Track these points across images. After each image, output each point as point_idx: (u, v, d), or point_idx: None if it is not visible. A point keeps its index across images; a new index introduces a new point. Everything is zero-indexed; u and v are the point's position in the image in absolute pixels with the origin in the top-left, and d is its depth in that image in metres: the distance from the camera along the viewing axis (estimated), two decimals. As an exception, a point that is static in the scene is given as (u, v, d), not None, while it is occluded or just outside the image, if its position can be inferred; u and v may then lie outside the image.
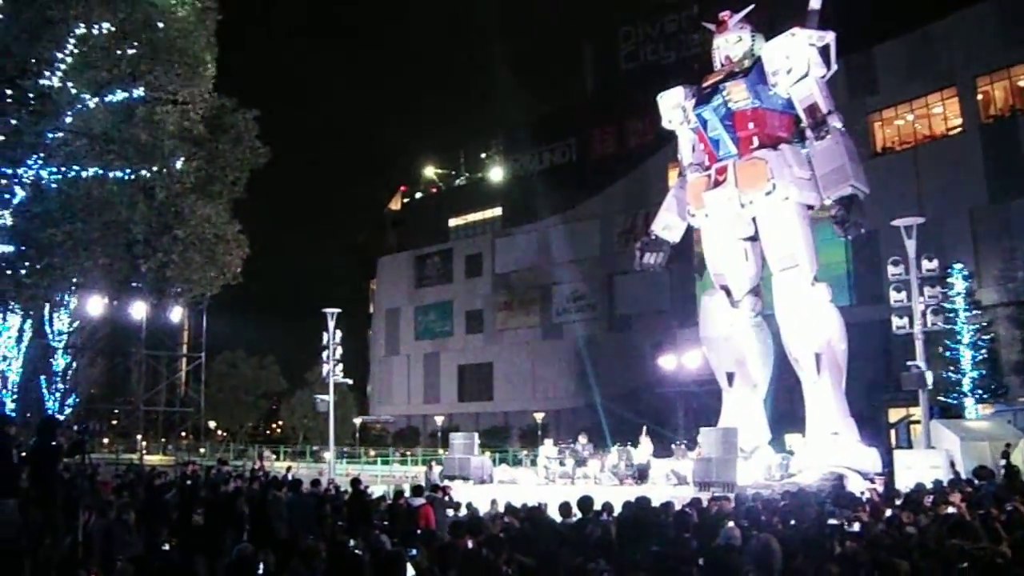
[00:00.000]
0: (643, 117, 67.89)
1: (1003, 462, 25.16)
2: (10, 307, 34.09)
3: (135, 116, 30.95)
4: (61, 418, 35.78)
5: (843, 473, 23.90)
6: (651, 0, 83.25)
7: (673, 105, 29.96)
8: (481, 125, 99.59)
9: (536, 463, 33.87)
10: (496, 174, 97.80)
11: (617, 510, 14.19)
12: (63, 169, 29.84)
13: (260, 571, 9.37)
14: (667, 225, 31.24)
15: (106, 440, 74.65)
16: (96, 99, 30.45)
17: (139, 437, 65.71)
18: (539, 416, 72.67)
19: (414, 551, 10.37)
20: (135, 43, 30.75)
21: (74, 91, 29.69)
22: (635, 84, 71.02)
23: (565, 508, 14.00)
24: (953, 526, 11.20)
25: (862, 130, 54.97)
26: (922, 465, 24.22)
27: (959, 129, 57.22)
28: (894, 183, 51.21)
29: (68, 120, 30.05)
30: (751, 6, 28.94)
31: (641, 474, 27.82)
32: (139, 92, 31.53)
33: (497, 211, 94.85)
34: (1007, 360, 49.48)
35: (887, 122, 61.32)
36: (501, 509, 17.60)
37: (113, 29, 29.98)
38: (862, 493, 19.95)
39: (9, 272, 30.24)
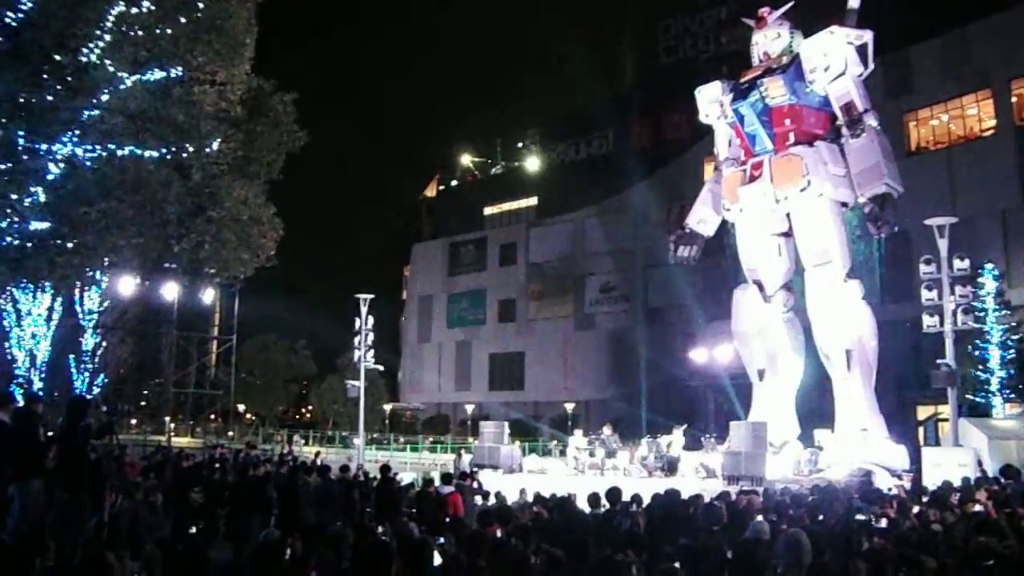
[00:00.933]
0: (681, 111, 67.58)
1: None
2: (41, 285, 34.28)
3: (172, 95, 30.93)
4: (89, 397, 35.94)
5: (871, 469, 23.88)
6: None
7: (711, 99, 29.96)
8: (518, 115, 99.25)
9: (566, 453, 33.89)
10: (532, 164, 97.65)
11: (646, 502, 14.25)
12: (98, 147, 29.88)
13: (287, 556, 9.44)
14: (702, 219, 31.29)
15: (134, 421, 75.07)
16: (134, 77, 30.50)
17: (167, 419, 66.10)
18: (569, 406, 72.69)
19: (442, 539, 10.45)
20: (175, 22, 30.78)
21: (112, 68, 29.68)
22: (673, 78, 70.92)
23: (594, 499, 14.04)
24: (979, 524, 11.23)
25: (897, 129, 54.73)
26: (950, 463, 24.12)
27: (993, 130, 57.21)
28: (927, 182, 51.10)
29: (104, 97, 30.07)
30: (791, 3, 28.95)
31: (670, 466, 27.84)
32: (177, 71, 31.49)
33: (532, 201, 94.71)
34: (1036, 360, 49.32)
35: (922, 122, 61.12)
36: (530, 499, 17.63)
37: (153, 8, 30.01)
38: (889, 490, 19.95)
39: (42, 250, 30.38)
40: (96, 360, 40.59)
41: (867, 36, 26.38)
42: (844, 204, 27.25)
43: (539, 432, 70.57)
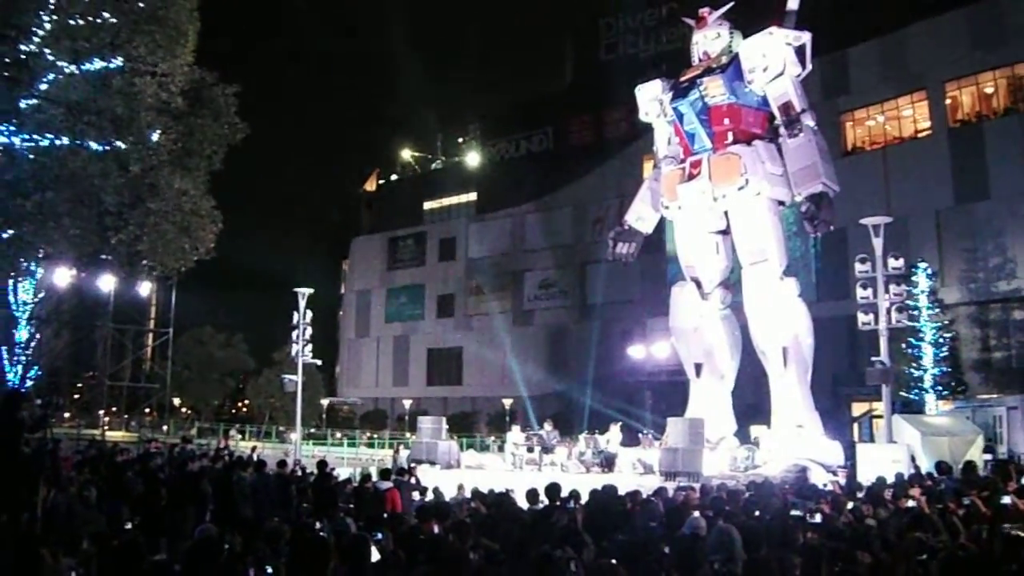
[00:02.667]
0: (620, 108, 68.16)
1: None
2: (-29, 277, 33.76)
3: (112, 86, 30.48)
4: (24, 391, 35.42)
5: (807, 465, 24.13)
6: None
7: (651, 98, 30.17)
8: (459, 110, 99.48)
9: (504, 449, 33.96)
10: (472, 159, 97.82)
11: (584, 498, 14.31)
12: (36, 137, 29.44)
13: (224, 552, 9.36)
14: (640, 216, 31.47)
15: (68, 414, 74.09)
16: (73, 67, 30.07)
17: (102, 412, 65.28)
18: (507, 402, 72.84)
19: (379, 535, 10.42)
20: (116, 12, 30.36)
21: (51, 58, 29.27)
22: (614, 75, 71.26)
23: (532, 495, 14.07)
24: (913, 519, 11.42)
25: (834, 129, 55.45)
26: (884, 459, 24.49)
27: (927, 132, 58.38)
28: (863, 182, 52.02)
29: (43, 87, 29.65)
30: (730, 3, 29.24)
31: (608, 462, 27.97)
32: (117, 62, 30.98)
33: (472, 196, 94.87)
34: (967, 358, 50.73)
35: (858, 122, 62.07)
36: (468, 494, 17.66)
37: (94, -5, 29.62)
38: (825, 485, 20.21)
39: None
40: (29, 352, 39.98)
41: (805, 37, 26.69)
42: (781, 203, 27.56)
43: (477, 427, 70.77)
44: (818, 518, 12.11)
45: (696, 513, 12.05)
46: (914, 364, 44.36)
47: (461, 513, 13.90)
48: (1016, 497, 13.45)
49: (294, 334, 37.64)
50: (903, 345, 42.61)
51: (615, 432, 29.83)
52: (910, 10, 56.74)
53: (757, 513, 13.23)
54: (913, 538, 10.01)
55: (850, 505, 14.58)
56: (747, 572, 8.60)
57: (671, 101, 28.83)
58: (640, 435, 30.76)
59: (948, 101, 57.33)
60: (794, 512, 12.41)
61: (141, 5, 30.67)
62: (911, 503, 14.31)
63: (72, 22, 29.10)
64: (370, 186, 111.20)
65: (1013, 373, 50.47)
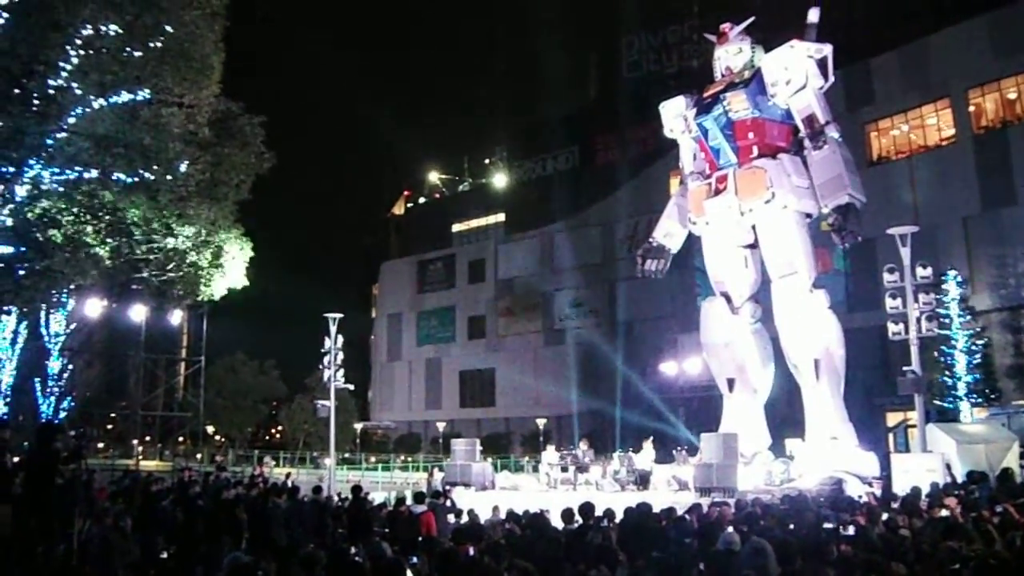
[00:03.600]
0: (645, 125, 68.14)
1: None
2: (5, 308, 34.01)
3: (139, 118, 30.80)
4: (59, 423, 35.62)
5: (842, 477, 23.99)
6: (654, 11, 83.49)
7: (675, 114, 30.18)
8: (485, 131, 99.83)
9: (538, 469, 33.88)
10: (499, 180, 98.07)
11: (619, 516, 14.29)
12: (65, 170, 29.75)
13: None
14: (668, 232, 31.44)
15: (101, 445, 74.48)
16: (100, 100, 30.38)
17: (135, 442, 65.61)
18: (541, 422, 72.66)
19: (415, 558, 10.45)
20: (142, 46, 30.70)
21: (79, 92, 29.56)
22: (638, 93, 71.67)
23: (567, 515, 14.06)
24: (947, 529, 11.36)
25: (858, 140, 55.32)
26: (919, 469, 24.30)
27: (952, 139, 57.96)
28: (890, 192, 51.98)
29: (71, 121, 29.95)
30: (751, 18, 29.22)
31: (643, 480, 27.87)
32: (144, 94, 31.33)
33: (500, 217, 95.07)
34: (1000, 364, 50.12)
35: (883, 132, 61.83)
36: (503, 516, 17.64)
37: (120, 31, 29.90)
38: (860, 497, 20.09)
39: (7, 273, 30.14)
40: (62, 383, 40.18)
41: (827, 49, 26.66)
42: (808, 215, 27.47)
43: (511, 448, 70.71)
44: (852, 530, 12.06)
45: (730, 528, 12.02)
46: (947, 372, 44.02)
47: (496, 534, 13.90)
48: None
49: (326, 359, 37.63)
50: (936, 354, 42.35)
51: (648, 449, 29.77)
52: (931, 18, 56.62)
53: (791, 527, 13.19)
54: (946, 547, 9.96)
55: (884, 516, 14.52)
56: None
57: (695, 117, 28.83)
58: (674, 452, 30.66)
59: (972, 108, 57.05)
60: (828, 525, 12.36)
61: (167, 38, 31.00)
62: (945, 512, 14.23)
63: (99, 56, 29.42)
64: (398, 210, 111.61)
65: (1047, 378, 50.15)
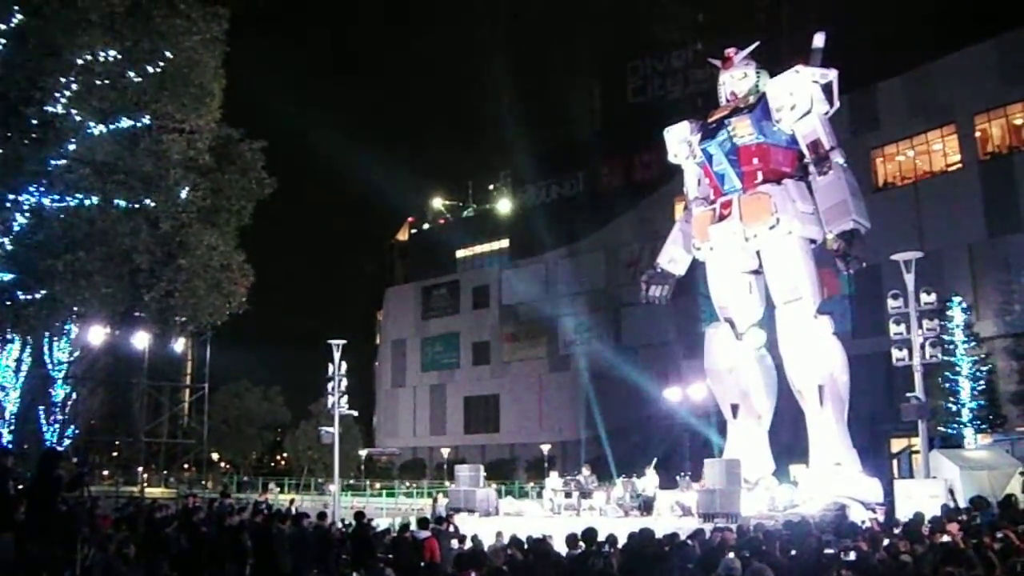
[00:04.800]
0: (650, 151, 68.19)
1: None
2: (8, 336, 33.98)
3: (140, 145, 30.81)
4: (61, 450, 35.55)
5: (845, 503, 23.94)
6: (659, 36, 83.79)
7: (679, 139, 30.19)
8: (489, 157, 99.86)
9: (542, 495, 33.81)
10: (504, 206, 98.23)
11: (621, 542, 14.25)
12: (65, 197, 29.72)
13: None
14: (672, 258, 31.40)
15: (106, 472, 74.36)
16: (100, 127, 30.39)
17: (140, 469, 65.43)
18: (545, 448, 72.55)
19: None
20: (141, 71, 30.76)
21: (78, 118, 29.57)
22: (642, 118, 71.64)
23: (572, 540, 14.03)
24: (947, 554, 11.31)
25: (864, 165, 55.38)
26: (922, 494, 24.22)
27: (958, 165, 58.21)
28: (895, 217, 51.97)
29: (71, 147, 29.94)
30: (756, 43, 29.32)
31: (646, 506, 27.78)
32: (145, 121, 31.34)
33: (504, 243, 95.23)
34: (1005, 391, 50.09)
35: (888, 158, 62.00)
36: (506, 541, 17.60)
37: (119, 56, 29.94)
38: (864, 523, 20.02)
39: (8, 302, 30.12)
40: (66, 411, 40.16)
41: (832, 74, 26.69)
42: (813, 241, 27.44)
43: (515, 474, 70.55)
44: (853, 555, 12.00)
45: (731, 554, 11.98)
46: (951, 398, 44.05)
47: (498, 560, 13.86)
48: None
49: (330, 386, 37.60)
50: (940, 380, 42.32)
51: (651, 475, 29.68)
52: (937, 44, 56.67)
53: (793, 552, 13.14)
54: (946, 572, 9.91)
55: (887, 542, 14.47)
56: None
57: (700, 142, 28.83)
58: (678, 477, 30.58)
59: (978, 134, 57.23)
60: (829, 550, 12.30)
61: (167, 64, 31.05)
62: (947, 538, 14.18)
63: (97, 82, 29.46)
64: (402, 236, 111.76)
65: (1052, 405, 50.07)
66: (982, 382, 44.64)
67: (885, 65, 58.22)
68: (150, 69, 30.72)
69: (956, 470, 26.99)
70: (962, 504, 22.67)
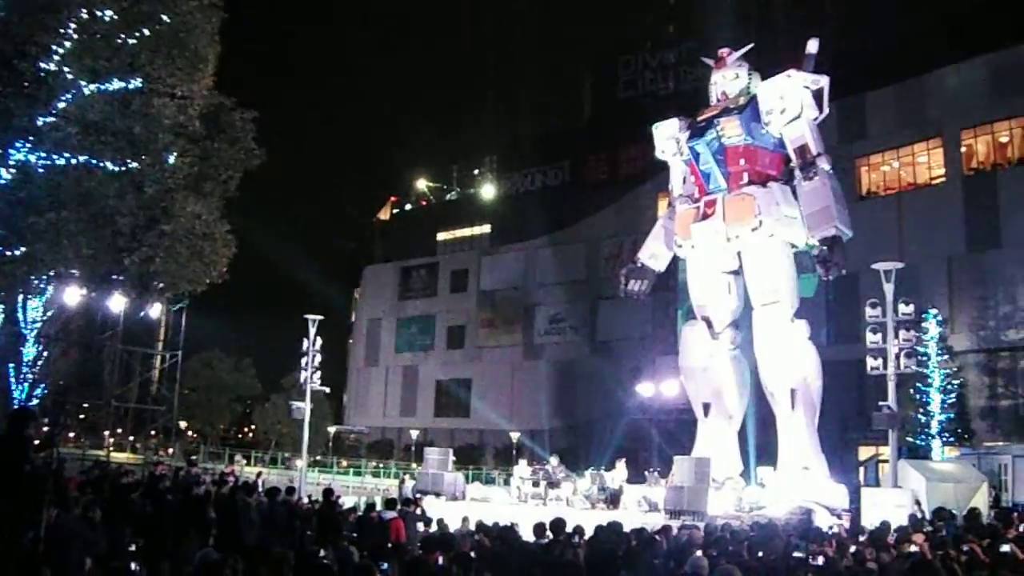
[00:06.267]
0: (637, 146, 68.17)
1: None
2: (-18, 292, 33.71)
3: (130, 107, 30.58)
4: (31, 409, 35.29)
5: (812, 508, 24.07)
6: (652, 32, 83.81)
7: (667, 136, 30.28)
8: (476, 142, 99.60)
9: (509, 482, 33.84)
10: (487, 191, 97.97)
11: (588, 534, 14.28)
12: (52, 155, 29.50)
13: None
14: (653, 254, 31.49)
15: (72, 434, 73.98)
16: (92, 86, 30.16)
17: (107, 433, 65.14)
18: (515, 435, 72.52)
19: (384, 564, 10.41)
20: (137, 33, 30.52)
21: (70, 77, 29.36)
22: (632, 113, 71.66)
23: (539, 529, 14.03)
24: (915, 565, 11.38)
25: (849, 173, 55.56)
26: (888, 504, 24.43)
27: (942, 179, 58.38)
28: (876, 227, 52.14)
29: (61, 106, 29.72)
30: (750, 45, 29.45)
31: (613, 499, 27.86)
32: (137, 83, 31.08)
33: (486, 228, 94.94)
34: (974, 405, 50.64)
35: (873, 167, 62.18)
36: (472, 527, 17.61)
37: (115, 17, 29.71)
38: (829, 528, 20.17)
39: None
40: (36, 371, 39.84)
41: (823, 81, 26.79)
42: (794, 245, 27.54)
43: (483, 460, 70.59)
44: (820, 560, 12.08)
45: (699, 552, 12.02)
46: (921, 410, 44.39)
47: (465, 545, 13.86)
48: (1016, 546, 13.45)
49: (303, 360, 37.50)
50: (911, 391, 42.60)
51: (620, 469, 29.74)
52: (929, 57, 56.80)
53: (760, 554, 13.20)
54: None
55: (852, 549, 14.56)
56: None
57: (688, 140, 28.91)
58: (646, 473, 30.66)
59: (964, 149, 57.44)
60: (796, 554, 12.38)
61: (163, 27, 30.85)
62: (913, 548, 14.29)
63: (93, 41, 29.26)
64: (384, 215, 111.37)
65: (1020, 421, 50.56)
66: (953, 395, 45.01)
67: (876, 75, 58.34)
68: (146, 32, 30.52)
69: (923, 481, 27.23)
70: (927, 515, 22.84)
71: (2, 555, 11.66)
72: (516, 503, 28.84)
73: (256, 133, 34.68)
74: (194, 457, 49.85)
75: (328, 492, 21.01)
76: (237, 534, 16.66)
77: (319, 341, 37.44)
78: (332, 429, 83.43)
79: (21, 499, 12.71)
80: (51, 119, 29.35)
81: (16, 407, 30.43)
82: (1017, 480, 35.96)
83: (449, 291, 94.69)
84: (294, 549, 11.74)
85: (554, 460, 30.92)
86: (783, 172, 27.83)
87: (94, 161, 29.95)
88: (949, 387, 44.98)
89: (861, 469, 49.22)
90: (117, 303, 45.00)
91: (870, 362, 27.97)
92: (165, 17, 30.82)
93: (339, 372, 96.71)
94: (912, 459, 34.18)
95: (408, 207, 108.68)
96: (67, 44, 28.81)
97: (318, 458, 69.89)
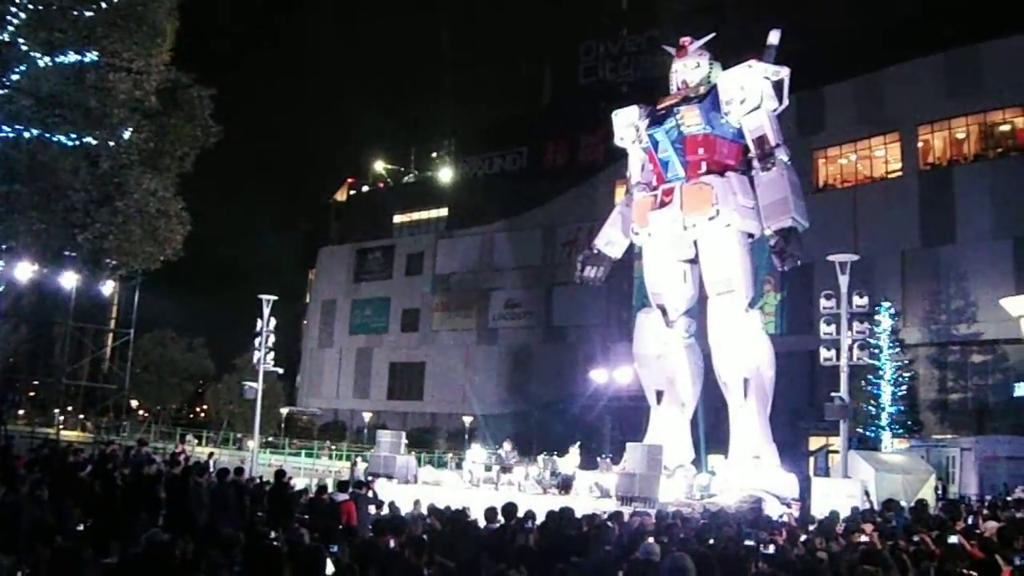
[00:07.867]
0: (596, 132, 68.29)
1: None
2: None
3: (85, 81, 30.18)
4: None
5: (762, 496, 24.20)
6: (614, 19, 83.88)
7: (627, 123, 30.26)
8: (435, 125, 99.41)
9: (461, 466, 33.84)
10: (445, 175, 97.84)
11: (540, 519, 14.28)
12: (4, 128, 29.13)
13: (176, 558, 9.24)
14: (610, 240, 31.51)
15: (22, 412, 73.24)
16: (47, 59, 29.74)
17: (57, 411, 64.57)
18: (467, 420, 72.53)
19: (335, 547, 10.36)
20: (94, 6, 30.10)
21: (25, 48, 28.97)
22: (591, 99, 71.83)
23: (491, 513, 14.02)
24: (864, 554, 11.47)
25: (806, 165, 55.92)
26: (838, 494, 24.62)
27: (898, 173, 59.05)
28: (832, 219, 52.57)
29: (15, 78, 29.33)
30: (712, 34, 29.43)
31: (565, 484, 27.91)
32: (92, 56, 30.65)
33: (443, 212, 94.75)
34: (925, 398, 51.43)
35: (830, 160, 62.70)
36: (424, 510, 17.59)
37: (73, -12, 29.35)
38: (780, 517, 20.28)
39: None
40: (-15, 347, 39.43)
41: (784, 73, 26.85)
42: (751, 235, 27.65)
43: (436, 443, 70.55)
44: (771, 549, 12.14)
45: (651, 539, 12.04)
46: (872, 402, 44.90)
47: (416, 529, 13.83)
48: (963, 537, 13.60)
49: (257, 341, 37.26)
50: (862, 382, 43.03)
51: (573, 454, 29.80)
52: (888, 52, 57.28)
53: (711, 541, 13.25)
54: (864, 571, 10.05)
55: (803, 538, 14.66)
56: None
57: (647, 128, 28.92)
58: (599, 459, 30.75)
59: (920, 144, 58.03)
60: (747, 542, 12.43)
61: (118, 1, 30.46)
62: (863, 538, 14.40)
63: (48, 13, 28.85)
64: (340, 196, 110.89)
65: (968, 415, 51.25)
66: (903, 388, 45.61)
67: (835, 69, 58.72)
68: (103, 4, 30.12)
69: (872, 472, 27.54)
70: (876, 506, 23.05)
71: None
72: (468, 487, 28.81)
73: (213, 110, 34.38)
74: (145, 436, 49.52)
75: (280, 473, 20.91)
76: (187, 515, 16.55)
77: (273, 322, 37.22)
78: (285, 410, 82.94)
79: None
80: (4, 91, 28.96)
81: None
82: (964, 472, 36.46)
83: (405, 274, 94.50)
84: (244, 530, 11.66)
85: (507, 445, 30.94)
86: (741, 162, 27.94)
87: (48, 135, 29.59)
88: (900, 379, 45.57)
89: (811, 459, 49.65)
90: (69, 280, 44.51)
91: (823, 353, 28.14)
92: None
93: (293, 353, 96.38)
94: (862, 450, 34.55)
95: (365, 189, 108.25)
96: (22, 15, 28.41)
97: (270, 439, 69.64)
